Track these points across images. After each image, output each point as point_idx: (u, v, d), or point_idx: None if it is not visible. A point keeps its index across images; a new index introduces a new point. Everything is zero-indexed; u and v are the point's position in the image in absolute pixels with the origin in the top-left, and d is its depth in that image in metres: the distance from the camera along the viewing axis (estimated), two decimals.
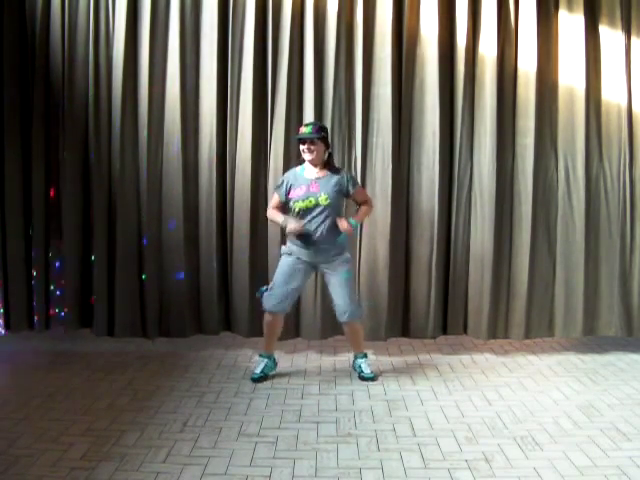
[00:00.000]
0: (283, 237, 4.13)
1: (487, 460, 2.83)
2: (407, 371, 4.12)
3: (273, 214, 3.91)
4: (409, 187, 4.50)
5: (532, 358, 4.42)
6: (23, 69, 4.38)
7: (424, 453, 2.90)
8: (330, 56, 4.37)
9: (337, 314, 3.87)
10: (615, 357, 4.46)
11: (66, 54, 4.34)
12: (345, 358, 4.33)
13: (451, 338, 4.70)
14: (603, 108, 4.46)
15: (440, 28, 4.35)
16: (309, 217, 3.74)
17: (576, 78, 4.39)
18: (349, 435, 3.11)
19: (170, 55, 4.36)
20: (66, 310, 4.45)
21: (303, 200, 3.74)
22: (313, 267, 3.88)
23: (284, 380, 3.93)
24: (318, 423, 3.25)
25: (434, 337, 4.53)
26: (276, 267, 3.93)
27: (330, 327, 4.43)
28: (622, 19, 4.40)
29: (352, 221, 3.78)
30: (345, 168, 4.35)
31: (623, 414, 3.39)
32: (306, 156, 3.77)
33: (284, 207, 3.89)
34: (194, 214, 4.46)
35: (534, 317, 4.49)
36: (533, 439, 3.06)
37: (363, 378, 3.90)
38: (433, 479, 2.67)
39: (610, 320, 4.51)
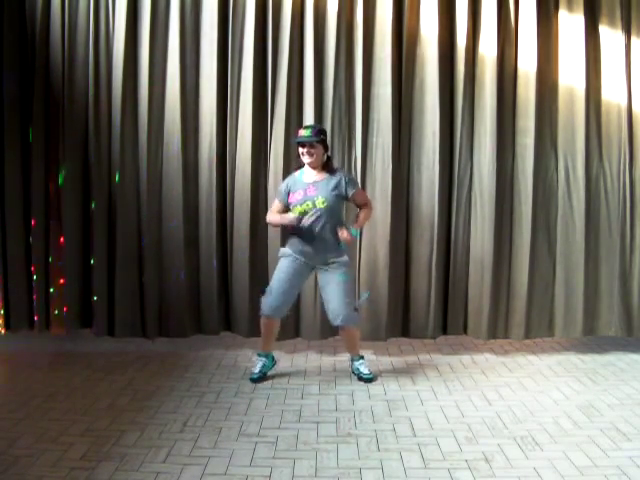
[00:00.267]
0: (283, 237, 4.13)
1: (487, 460, 2.83)
2: (407, 371, 4.12)
3: (271, 217, 3.90)
4: (409, 187, 4.50)
5: (532, 358, 4.42)
6: (23, 69, 4.38)
7: (424, 453, 2.90)
8: (330, 56, 4.37)
9: (330, 317, 3.84)
10: (615, 357, 4.46)
11: (66, 54, 4.34)
12: (345, 358, 4.32)
13: (451, 338, 4.70)
14: (603, 108, 4.46)
15: (440, 28, 4.35)
16: (309, 219, 3.72)
17: (576, 78, 4.39)
18: (349, 435, 3.11)
19: (170, 55, 4.36)
20: (66, 310, 4.45)
21: (301, 204, 3.73)
22: (311, 268, 3.87)
23: (284, 380, 3.93)
24: (318, 423, 3.25)
25: (434, 337, 4.53)
26: (276, 267, 3.92)
27: (330, 327, 4.40)
28: (622, 19, 4.40)
29: (353, 230, 3.78)
30: (345, 168, 4.35)
31: (623, 414, 3.39)
32: (305, 159, 3.77)
33: (286, 212, 3.89)
34: (194, 214, 4.46)
35: (534, 317, 4.49)
36: (533, 439, 3.06)
37: (362, 379, 3.89)
38: (433, 479, 2.67)
39: (610, 320, 4.51)
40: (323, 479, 2.67)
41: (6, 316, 4.46)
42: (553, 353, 4.55)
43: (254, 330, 4.41)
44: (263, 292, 3.91)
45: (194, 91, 4.41)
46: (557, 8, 4.42)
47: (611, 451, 2.93)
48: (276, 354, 4.12)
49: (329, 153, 3.92)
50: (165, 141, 4.41)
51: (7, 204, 4.39)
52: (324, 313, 4.35)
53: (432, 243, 4.43)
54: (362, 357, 4.01)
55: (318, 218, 3.71)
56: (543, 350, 4.61)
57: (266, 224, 4.32)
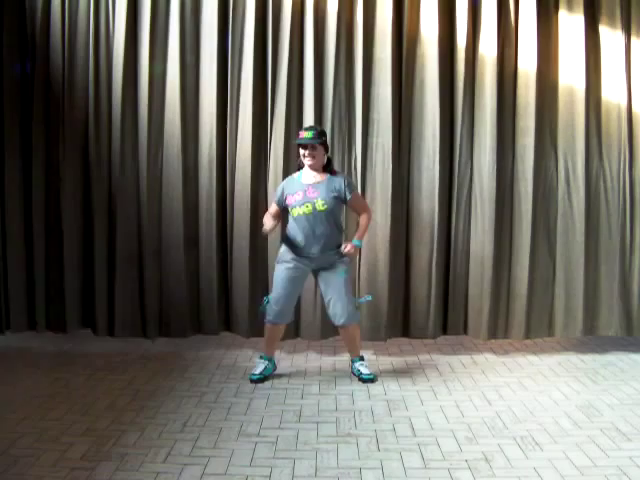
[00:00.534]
0: (282, 239, 4.13)
1: (487, 460, 2.83)
2: (407, 371, 4.12)
3: (265, 219, 3.88)
4: (409, 187, 4.50)
5: (532, 358, 4.42)
6: (23, 69, 4.38)
7: (424, 453, 2.91)
8: (330, 56, 4.36)
9: (333, 318, 3.85)
10: (615, 357, 4.46)
11: (66, 54, 4.34)
12: (345, 358, 4.32)
13: (451, 338, 4.69)
14: (603, 108, 4.46)
15: (440, 28, 4.35)
16: (307, 222, 3.73)
17: (576, 78, 4.39)
18: (349, 435, 3.11)
19: (170, 55, 4.36)
20: (66, 310, 4.44)
21: (300, 206, 3.73)
22: (309, 270, 3.87)
23: (284, 380, 3.92)
24: (318, 423, 3.25)
25: (434, 337, 4.53)
26: (274, 268, 3.92)
27: (330, 327, 4.41)
28: (622, 19, 4.40)
29: (356, 242, 3.78)
30: (345, 169, 4.35)
31: (623, 414, 3.39)
32: (307, 161, 3.76)
33: (284, 213, 3.88)
34: (194, 214, 4.46)
35: (534, 317, 4.49)
36: (533, 439, 3.06)
37: (363, 380, 3.89)
38: (433, 479, 2.67)
39: (610, 320, 4.51)
40: (323, 479, 2.67)
41: (6, 316, 4.46)
42: (553, 353, 4.55)
43: (254, 330, 4.41)
44: (261, 305, 3.92)
45: (194, 91, 4.41)
46: (557, 8, 4.42)
47: (611, 451, 2.93)
48: (276, 355, 4.12)
49: (329, 154, 3.91)
50: (165, 141, 4.41)
51: (7, 204, 4.39)
52: (324, 313, 4.35)
53: (432, 243, 4.43)
54: (362, 358, 4.01)
55: (319, 221, 3.71)
56: (543, 350, 4.61)
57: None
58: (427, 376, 4.02)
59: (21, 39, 4.38)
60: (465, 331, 4.58)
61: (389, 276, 4.40)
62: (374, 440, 3.05)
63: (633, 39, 4.43)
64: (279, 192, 3.87)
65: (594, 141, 4.47)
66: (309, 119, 4.34)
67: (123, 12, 4.29)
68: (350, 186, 3.84)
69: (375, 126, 4.41)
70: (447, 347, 4.63)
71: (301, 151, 3.76)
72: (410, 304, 4.53)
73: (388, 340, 4.52)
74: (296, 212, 3.74)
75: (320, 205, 3.71)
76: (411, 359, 4.38)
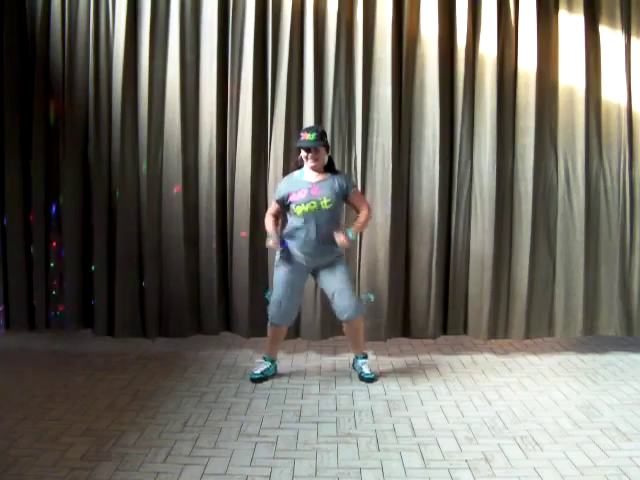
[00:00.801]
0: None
1: (487, 460, 2.83)
2: (407, 371, 4.12)
3: (267, 222, 3.87)
4: (409, 187, 4.50)
5: (532, 358, 4.42)
6: (23, 69, 4.38)
7: (424, 453, 2.91)
8: (330, 56, 4.36)
9: (338, 313, 3.85)
10: (615, 357, 4.46)
11: (66, 54, 4.34)
12: (345, 358, 4.33)
13: (451, 338, 4.69)
14: (603, 108, 4.46)
15: (440, 28, 4.35)
16: (311, 220, 3.72)
17: (576, 78, 4.39)
18: (349, 435, 3.11)
19: (170, 55, 4.36)
20: (66, 310, 4.45)
21: (305, 203, 3.72)
22: (309, 269, 3.87)
23: (284, 380, 3.92)
24: (318, 423, 3.25)
25: (434, 337, 4.53)
26: (275, 268, 3.91)
27: (330, 327, 4.43)
28: (622, 19, 4.40)
29: (350, 233, 3.71)
30: (345, 169, 4.35)
31: (623, 414, 3.39)
32: (309, 163, 3.75)
33: (284, 210, 3.88)
34: (194, 214, 4.46)
35: (534, 317, 4.49)
36: (533, 439, 3.06)
37: (363, 379, 3.89)
38: (433, 479, 2.68)
39: (610, 320, 4.51)
40: (323, 479, 2.67)
41: (6, 316, 4.46)
42: (553, 353, 4.55)
43: (254, 330, 4.41)
44: (264, 296, 3.92)
45: (194, 91, 4.41)
46: (557, 8, 4.42)
47: (611, 451, 2.93)
48: (276, 357, 4.12)
49: (329, 154, 3.91)
50: (165, 141, 4.41)
51: (7, 204, 4.39)
52: (324, 313, 4.37)
53: (432, 243, 4.43)
54: (366, 356, 4.01)
55: (322, 219, 3.71)
56: (543, 350, 4.61)
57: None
58: (427, 376, 4.02)
59: (21, 39, 4.38)
60: (465, 331, 4.58)
61: (389, 276, 4.40)
62: (374, 440, 3.05)
63: (633, 39, 4.43)
64: (281, 190, 3.85)
65: (594, 141, 4.47)
66: (309, 119, 4.34)
67: (123, 12, 4.29)
68: (351, 183, 3.87)
69: (375, 126, 4.41)
70: (447, 347, 4.63)
71: (303, 153, 3.75)
72: (410, 304, 4.53)
73: (388, 340, 4.52)
74: (300, 210, 3.73)
75: (325, 203, 3.71)
76: (411, 359, 4.37)
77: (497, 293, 4.45)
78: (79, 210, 4.46)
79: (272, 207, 3.95)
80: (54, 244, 4.46)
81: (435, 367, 4.20)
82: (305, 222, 3.73)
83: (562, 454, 2.89)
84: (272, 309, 3.84)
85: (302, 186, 3.76)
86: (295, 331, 4.50)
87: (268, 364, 3.96)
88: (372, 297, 4.02)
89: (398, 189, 4.43)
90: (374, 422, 3.27)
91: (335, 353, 4.48)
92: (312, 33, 4.32)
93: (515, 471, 2.74)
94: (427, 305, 4.48)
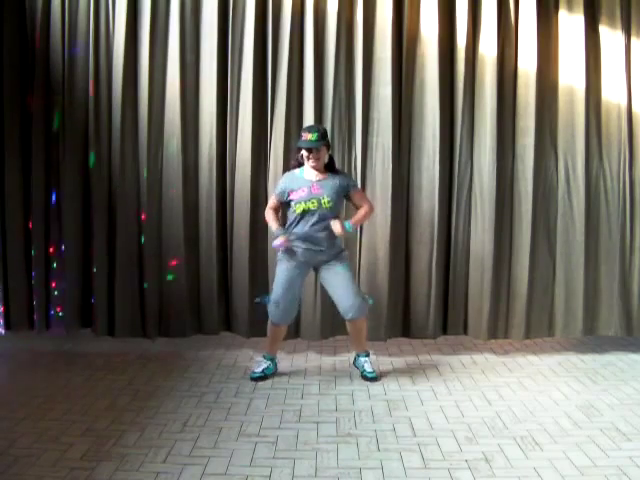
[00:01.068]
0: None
1: (487, 460, 2.83)
2: (407, 371, 4.12)
3: (269, 217, 3.88)
4: (409, 187, 4.50)
5: (532, 358, 4.42)
6: (23, 69, 4.38)
7: (424, 453, 2.91)
8: (330, 56, 4.36)
9: (342, 312, 3.84)
10: (615, 357, 4.46)
11: (66, 54, 4.34)
12: (345, 358, 4.33)
13: (451, 338, 4.69)
14: (603, 108, 4.47)
15: (440, 28, 4.35)
16: (310, 219, 3.73)
17: (576, 78, 4.39)
18: (349, 435, 3.11)
19: (170, 55, 4.36)
20: (66, 310, 4.45)
21: (305, 202, 3.72)
22: (310, 266, 3.87)
23: (284, 380, 3.92)
24: (318, 423, 3.25)
25: (434, 337, 4.53)
26: (275, 267, 3.92)
27: (330, 327, 4.43)
28: (622, 19, 4.40)
29: (347, 225, 3.72)
30: (345, 168, 4.35)
31: (623, 414, 3.39)
32: (311, 163, 3.75)
33: (284, 207, 3.88)
34: (194, 214, 4.46)
35: (534, 317, 4.49)
36: (533, 439, 3.06)
37: (366, 377, 3.89)
38: (433, 479, 2.68)
39: (610, 320, 4.51)
40: (323, 479, 2.67)
41: (6, 316, 4.46)
42: (553, 353, 4.55)
43: (254, 330, 4.41)
44: (260, 298, 3.91)
45: (194, 91, 4.41)
46: (557, 8, 4.42)
47: (611, 451, 2.93)
48: (276, 355, 4.11)
49: (330, 152, 3.91)
50: (165, 141, 4.41)
51: (7, 204, 4.39)
52: (324, 313, 4.37)
53: (432, 243, 4.43)
54: (368, 354, 4.01)
55: (323, 217, 3.71)
56: (543, 350, 4.61)
57: (266, 224, 4.32)
58: (427, 376, 4.02)
59: (21, 39, 4.37)
60: (465, 331, 4.58)
61: (389, 276, 4.40)
62: (374, 440, 3.05)
63: (633, 39, 4.43)
64: (282, 187, 3.84)
65: (594, 141, 4.47)
66: (309, 119, 4.33)
67: (123, 12, 4.29)
68: (352, 182, 3.89)
69: (375, 125, 4.41)
70: (447, 347, 4.63)
71: (304, 153, 3.74)
72: (410, 304, 4.53)
73: (388, 340, 4.52)
74: (300, 208, 3.73)
75: (326, 202, 3.71)
76: (411, 359, 4.37)
77: (497, 293, 4.45)
78: (79, 210, 4.46)
79: (272, 201, 3.95)
80: (54, 244, 4.46)
81: (435, 367, 4.20)
82: (305, 220, 3.74)
83: (562, 454, 2.89)
84: (271, 309, 3.84)
85: (303, 184, 3.76)
86: (295, 331, 4.50)
87: (268, 362, 3.96)
88: (370, 300, 3.99)
89: (398, 189, 4.43)
90: (374, 422, 3.27)
91: (335, 353, 4.48)
92: (312, 33, 4.32)
93: (515, 471, 2.74)
94: (427, 305, 4.48)
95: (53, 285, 4.49)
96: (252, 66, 4.32)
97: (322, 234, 3.73)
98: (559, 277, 4.48)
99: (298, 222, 3.76)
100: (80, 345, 4.55)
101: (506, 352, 4.55)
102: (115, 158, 4.38)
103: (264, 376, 3.90)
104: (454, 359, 4.38)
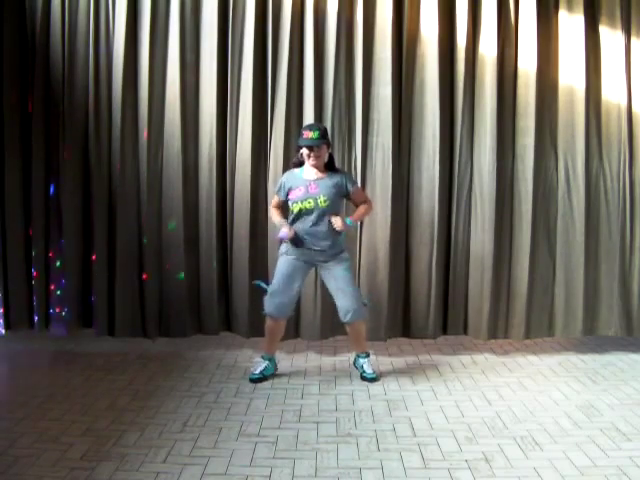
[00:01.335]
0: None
1: (487, 460, 2.83)
2: (407, 371, 4.12)
3: (273, 214, 3.91)
4: (409, 187, 4.50)
5: (532, 358, 4.42)
6: (23, 69, 4.38)
7: (424, 453, 2.91)
8: (330, 56, 4.36)
9: (340, 314, 3.84)
10: (615, 357, 4.46)
11: (66, 54, 4.34)
12: (345, 358, 4.33)
13: (451, 338, 4.69)
14: (603, 108, 4.47)
15: (440, 28, 4.35)
16: (308, 218, 3.73)
17: (576, 78, 4.39)
18: (349, 435, 3.11)
19: (170, 55, 4.36)
20: (66, 310, 4.45)
21: (302, 201, 3.73)
22: (311, 265, 3.87)
23: (284, 380, 3.92)
24: (318, 423, 3.25)
25: (434, 337, 4.53)
26: (275, 266, 3.92)
27: (330, 327, 4.43)
28: (622, 19, 4.40)
29: (348, 220, 3.76)
30: (345, 168, 4.35)
31: (623, 414, 3.39)
32: (311, 161, 3.75)
33: (285, 207, 3.89)
34: (194, 214, 4.46)
35: (534, 317, 4.50)
36: (533, 439, 3.06)
37: (365, 378, 3.89)
38: (433, 479, 2.68)
39: (610, 320, 4.51)
40: (323, 479, 2.67)
41: (6, 316, 4.46)
42: (553, 353, 4.55)
43: (254, 330, 4.41)
44: (260, 287, 3.89)
45: (194, 91, 4.41)
46: (557, 8, 4.42)
47: (611, 451, 2.93)
48: (276, 355, 4.11)
49: (330, 151, 3.91)
50: (165, 141, 4.41)
51: (7, 204, 4.39)
52: (324, 313, 4.37)
53: (432, 243, 4.43)
54: (368, 355, 4.00)
55: (320, 217, 3.71)
56: (543, 350, 4.61)
57: (266, 224, 4.34)
58: (427, 376, 4.01)
59: (21, 39, 4.38)
60: (465, 331, 4.59)
61: (389, 276, 4.40)
62: (374, 440, 3.04)
63: (633, 39, 4.43)
64: (282, 185, 3.85)
65: (594, 141, 4.47)
66: (309, 118, 4.33)
67: (123, 12, 4.29)
68: (351, 180, 3.88)
69: (375, 126, 4.41)
70: (447, 347, 4.63)
71: (305, 151, 3.74)
72: (410, 304, 4.53)
73: (388, 340, 4.52)
74: (297, 207, 3.74)
75: (322, 201, 3.71)
76: (411, 359, 4.37)
77: (497, 293, 4.45)
78: (79, 210, 4.46)
79: (274, 201, 3.95)
80: (54, 244, 4.45)
81: (435, 367, 4.20)
82: (303, 220, 3.74)
83: (562, 454, 2.89)
84: (267, 299, 3.83)
85: (301, 183, 3.77)
86: (295, 331, 4.50)
87: (266, 363, 3.95)
88: (366, 301, 3.97)
89: (398, 189, 4.43)
90: (374, 422, 3.27)
91: (335, 353, 4.48)
92: (312, 33, 4.32)
93: (515, 471, 2.74)
94: (427, 305, 4.48)
95: (53, 285, 4.49)
96: (252, 66, 4.32)
97: (321, 233, 3.73)
98: (559, 277, 4.48)
99: (296, 222, 3.76)
100: (80, 345, 4.55)
101: (506, 352, 4.55)
102: (115, 158, 4.38)
103: (263, 377, 3.89)
104: (454, 359, 4.38)
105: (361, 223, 4.34)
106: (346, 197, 3.86)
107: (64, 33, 4.34)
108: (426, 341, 4.60)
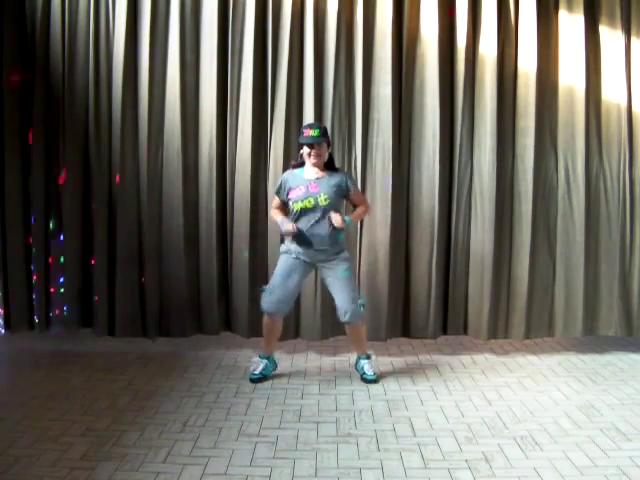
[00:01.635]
0: (283, 236, 4.13)
1: (487, 460, 2.83)
2: (407, 371, 4.12)
3: (274, 214, 3.91)
4: (409, 187, 4.50)
5: (532, 358, 4.42)
6: (23, 69, 4.38)
7: (424, 453, 2.91)
8: (330, 56, 4.36)
9: (339, 314, 3.85)
10: (615, 357, 4.46)
11: (66, 54, 4.34)
12: (345, 358, 4.33)
13: (451, 338, 4.69)
14: (603, 108, 4.47)
15: (440, 28, 4.35)
16: (308, 217, 3.73)
17: (576, 78, 4.39)
18: (349, 435, 3.11)
19: (170, 55, 4.36)
20: (66, 310, 4.45)
21: (302, 200, 3.73)
22: (312, 266, 3.87)
23: (284, 380, 3.92)
24: (318, 423, 3.25)
25: (434, 337, 4.53)
26: (275, 266, 3.92)
27: (330, 327, 4.43)
28: (622, 19, 4.40)
29: (347, 218, 3.76)
30: (345, 169, 4.35)
31: (623, 414, 3.39)
32: (312, 159, 3.75)
33: (285, 207, 3.89)
34: (194, 214, 4.46)
35: (534, 317, 4.50)
36: (533, 439, 3.06)
37: (365, 380, 3.89)
38: (433, 479, 2.68)
39: (610, 320, 4.51)
40: (323, 479, 2.67)
41: (6, 316, 4.46)
42: (553, 353, 4.55)
43: (254, 330, 4.41)
44: (261, 289, 3.90)
45: (194, 91, 4.41)
46: (557, 8, 4.42)
47: (611, 451, 2.93)
48: (276, 354, 4.12)
49: (330, 150, 3.91)
50: (165, 141, 4.41)
51: (7, 204, 4.39)
52: (324, 313, 4.37)
53: (432, 243, 4.43)
54: (369, 357, 4.00)
55: (321, 216, 3.71)
56: (543, 350, 4.61)
57: (266, 224, 4.34)
58: (427, 376, 4.02)
59: (21, 39, 4.38)
60: (465, 331, 4.58)
61: (389, 276, 4.40)
62: (374, 440, 3.05)
63: (633, 39, 4.43)
64: (282, 184, 3.85)
65: (594, 141, 4.47)
66: (309, 118, 4.33)
67: (123, 12, 4.29)
68: (351, 180, 3.87)
69: (375, 126, 4.41)
70: (447, 347, 4.63)
71: (306, 149, 3.74)
72: (410, 304, 4.53)
73: (388, 340, 4.52)
74: (298, 207, 3.74)
75: (323, 200, 3.71)
76: (411, 359, 4.37)
77: (497, 293, 4.45)
78: (79, 210, 4.46)
79: (275, 201, 3.95)
80: (54, 244, 4.46)
81: (435, 367, 4.20)
82: (303, 218, 3.74)
83: (562, 454, 2.89)
84: (265, 296, 3.83)
85: (301, 182, 3.77)
86: (295, 331, 4.50)
87: (264, 362, 3.95)
88: (361, 299, 3.94)
89: (398, 189, 4.43)
90: (374, 422, 3.27)
91: (335, 353, 4.48)
92: (312, 33, 4.32)
93: (515, 471, 2.74)
94: (427, 305, 4.48)
95: (53, 285, 4.49)
96: (252, 66, 4.32)
97: (322, 233, 3.73)
98: (559, 277, 4.48)
99: (297, 222, 3.76)
100: (80, 345, 4.55)
101: (506, 352, 4.55)
102: (115, 158, 4.38)
103: (263, 377, 3.89)
104: (454, 359, 4.38)
105: (361, 223, 4.34)
106: (345, 197, 3.85)
107: (64, 33, 4.34)
108: (426, 341, 4.60)
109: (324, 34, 4.37)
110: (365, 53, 4.35)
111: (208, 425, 3.21)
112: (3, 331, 4.51)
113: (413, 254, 4.50)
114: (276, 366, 4.02)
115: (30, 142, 4.39)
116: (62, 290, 4.47)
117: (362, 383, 3.87)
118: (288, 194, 3.79)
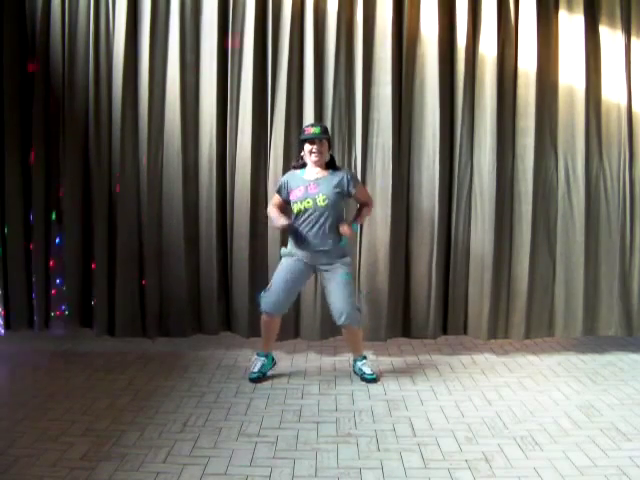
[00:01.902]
0: (284, 237, 4.14)
1: (487, 460, 2.83)
2: (407, 371, 4.12)
3: (271, 210, 3.88)
4: (409, 187, 4.50)
5: (532, 358, 4.42)
6: (23, 69, 4.38)
7: (424, 453, 2.91)
8: (330, 56, 4.36)
9: (334, 316, 3.84)
10: (615, 357, 4.46)
11: (66, 54, 4.34)
12: (345, 358, 4.33)
13: (451, 338, 4.70)
14: (603, 108, 4.47)
15: (440, 28, 4.35)
16: (308, 218, 3.73)
17: (576, 78, 4.39)
18: (349, 435, 3.11)
19: (170, 55, 4.36)
20: (66, 310, 4.45)
21: (301, 201, 3.73)
22: (313, 268, 3.87)
23: (284, 380, 3.92)
24: (318, 423, 3.25)
25: (434, 337, 4.53)
26: (276, 267, 3.93)
27: (330, 328, 4.42)
28: (622, 19, 4.40)
29: (353, 226, 3.81)
30: (346, 167, 4.35)
31: (623, 414, 3.39)
32: (313, 157, 3.75)
33: (287, 206, 3.88)
34: (194, 214, 4.46)
35: (534, 317, 4.50)
36: (533, 439, 3.06)
37: (365, 380, 3.89)
38: (433, 479, 2.68)
39: (610, 320, 4.51)
40: (323, 479, 2.67)
41: (6, 316, 4.46)
42: (553, 353, 4.55)
43: (254, 330, 4.40)
44: (261, 296, 3.90)
45: (194, 91, 4.41)
46: (557, 8, 4.42)
47: (611, 451, 2.93)
48: (276, 354, 4.12)
49: (331, 152, 3.91)
50: (165, 141, 4.41)
51: (7, 204, 4.39)
52: (324, 313, 4.37)
53: (432, 243, 4.43)
54: (365, 357, 4.01)
55: (320, 217, 3.71)
56: (543, 350, 4.61)
57: (266, 224, 4.34)
58: (427, 376, 4.02)
59: (21, 39, 4.37)
60: (465, 331, 4.58)
61: (389, 276, 4.40)
62: (374, 440, 3.05)
63: (633, 39, 4.43)
64: (283, 184, 3.86)
65: (594, 141, 4.47)
66: (309, 118, 4.33)
67: (123, 12, 4.29)
68: (354, 179, 3.85)
69: (375, 126, 4.41)
70: (447, 347, 4.63)
71: (307, 147, 3.75)
72: (410, 304, 4.53)
73: (388, 340, 4.51)
74: (297, 208, 3.75)
75: (321, 201, 3.71)
76: (411, 359, 4.37)
77: (497, 293, 4.45)
78: (79, 210, 4.46)
79: (274, 200, 3.94)
80: (54, 244, 4.45)
81: (435, 367, 4.20)
82: (303, 219, 3.74)
83: (562, 454, 2.89)
84: (263, 296, 3.83)
85: (301, 183, 3.78)
86: (295, 331, 4.50)
87: (262, 360, 3.95)
88: (362, 293, 3.97)
89: (398, 189, 4.43)
90: (374, 422, 3.27)
91: (335, 353, 4.48)
92: (312, 33, 4.32)
93: (515, 471, 2.74)
94: (427, 305, 4.48)
95: (53, 285, 4.49)
96: (252, 66, 4.32)
97: (322, 234, 3.72)
98: (559, 277, 4.48)
99: (297, 223, 3.76)
100: (80, 345, 4.55)
101: (506, 352, 4.55)
102: (115, 158, 4.38)
103: (263, 375, 3.90)
104: (454, 359, 4.38)
105: (361, 223, 4.34)
106: (348, 195, 3.85)
107: (64, 33, 4.34)
108: (426, 341, 4.60)
109: (324, 34, 4.38)
110: (365, 53, 4.35)
111: (208, 425, 3.21)
112: (3, 331, 4.50)
113: (413, 254, 4.50)
114: (274, 362, 4.02)
115: (30, 141, 4.38)
116: (62, 290, 4.46)
117: (362, 383, 3.87)
118: (289, 194, 3.80)
